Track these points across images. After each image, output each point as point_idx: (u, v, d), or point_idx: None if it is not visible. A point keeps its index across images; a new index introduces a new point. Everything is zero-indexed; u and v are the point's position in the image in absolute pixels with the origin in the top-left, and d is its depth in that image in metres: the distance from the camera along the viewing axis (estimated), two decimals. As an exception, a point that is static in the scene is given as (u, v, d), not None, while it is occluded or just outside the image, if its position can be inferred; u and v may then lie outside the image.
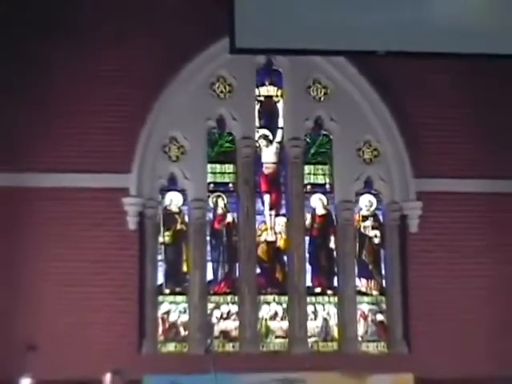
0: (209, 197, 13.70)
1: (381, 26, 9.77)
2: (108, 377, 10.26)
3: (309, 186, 13.92)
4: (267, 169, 13.97)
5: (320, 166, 14.01)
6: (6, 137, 12.74)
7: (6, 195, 12.75)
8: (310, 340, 13.49)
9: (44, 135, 12.94)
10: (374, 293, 13.74)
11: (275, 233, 13.82)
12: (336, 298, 13.64)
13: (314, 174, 13.98)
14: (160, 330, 13.29)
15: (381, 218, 13.94)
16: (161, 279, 13.39)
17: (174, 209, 13.65)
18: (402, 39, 9.99)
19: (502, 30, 9.93)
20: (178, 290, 13.45)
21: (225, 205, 13.77)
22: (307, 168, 13.94)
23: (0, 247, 12.60)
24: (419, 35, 9.88)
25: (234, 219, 13.72)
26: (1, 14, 12.26)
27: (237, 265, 13.55)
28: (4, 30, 12.67)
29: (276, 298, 13.61)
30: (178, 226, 13.62)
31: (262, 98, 14.08)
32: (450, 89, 13.72)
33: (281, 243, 13.79)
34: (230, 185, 13.85)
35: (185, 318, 13.36)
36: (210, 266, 13.54)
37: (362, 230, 13.91)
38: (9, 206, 12.78)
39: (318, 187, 13.96)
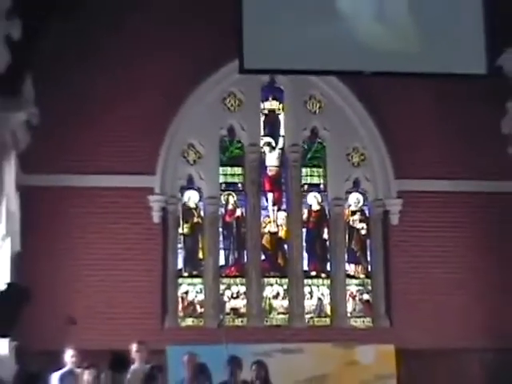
0: (221, 195, 13.69)
1: (365, 51, 9.96)
2: (134, 346, 10.36)
3: (306, 186, 13.89)
4: (270, 171, 13.93)
5: (315, 169, 13.98)
6: (52, 145, 12.78)
7: (50, 193, 12.78)
8: (307, 316, 13.47)
9: (82, 143, 12.95)
10: (361, 276, 13.72)
11: (277, 225, 13.79)
12: (329, 281, 13.63)
13: (310, 176, 13.95)
14: (180, 307, 13.30)
15: (367, 212, 13.92)
16: (180, 264, 13.39)
17: (192, 205, 13.65)
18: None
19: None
20: (195, 273, 13.45)
21: (235, 201, 13.75)
22: (304, 170, 13.92)
23: (46, 237, 12.61)
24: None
25: (242, 213, 13.71)
26: (55, 39, 12.22)
27: (245, 252, 13.55)
28: (57, 52, 12.76)
29: (278, 280, 13.60)
30: (195, 220, 13.61)
31: (266, 111, 14.06)
32: (426, 103, 13.67)
33: (282, 234, 13.76)
34: (239, 184, 13.84)
35: (201, 297, 13.36)
36: (222, 253, 13.53)
37: (350, 223, 13.88)
38: (53, 203, 12.78)
39: (313, 187, 13.93)
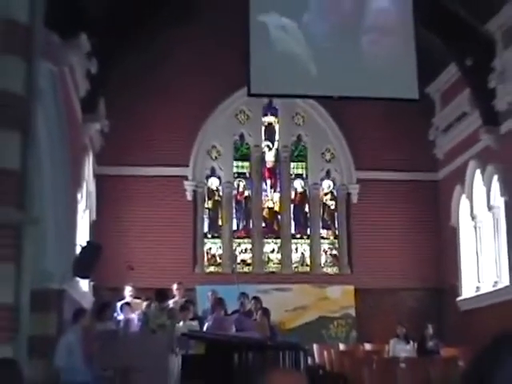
0: (234, 181, 13.69)
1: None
2: (175, 285, 10.46)
3: (293, 175, 13.88)
4: (269, 164, 13.91)
5: (300, 163, 13.94)
6: (117, 146, 12.80)
7: (116, 179, 12.82)
8: (293, 265, 13.50)
9: (138, 145, 12.96)
10: (331, 238, 13.72)
11: (273, 202, 13.78)
12: (309, 241, 13.65)
13: (296, 168, 13.92)
14: (205, 258, 13.34)
15: (335, 194, 13.89)
16: (206, 229, 13.43)
17: (214, 188, 13.66)
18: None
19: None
20: (216, 235, 13.48)
21: (244, 186, 13.74)
22: (292, 164, 13.91)
23: (113, 210, 12.65)
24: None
25: (249, 194, 13.70)
26: (120, 72, 12.22)
27: (250, 221, 13.58)
28: (122, 81, 12.69)
29: (273, 240, 13.60)
30: (216, 198, 13.62)
31: (266, 123, 14.03)
32: (378, 118, 13.55)
33: (277, 208, 13.76)
34: (247, 174, 13.83)
35: (220, 251, 13.39)
36: (235, 221, 13.57)
37: (324, 201, 13.88)
38: (118, 186, 12.80)
39: (298, 176, 13.91)
